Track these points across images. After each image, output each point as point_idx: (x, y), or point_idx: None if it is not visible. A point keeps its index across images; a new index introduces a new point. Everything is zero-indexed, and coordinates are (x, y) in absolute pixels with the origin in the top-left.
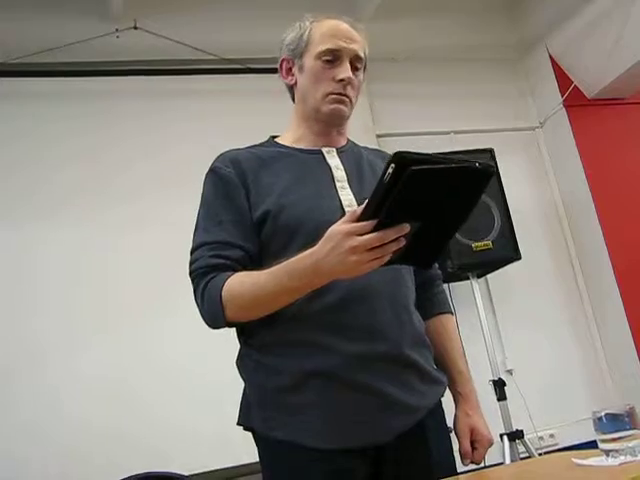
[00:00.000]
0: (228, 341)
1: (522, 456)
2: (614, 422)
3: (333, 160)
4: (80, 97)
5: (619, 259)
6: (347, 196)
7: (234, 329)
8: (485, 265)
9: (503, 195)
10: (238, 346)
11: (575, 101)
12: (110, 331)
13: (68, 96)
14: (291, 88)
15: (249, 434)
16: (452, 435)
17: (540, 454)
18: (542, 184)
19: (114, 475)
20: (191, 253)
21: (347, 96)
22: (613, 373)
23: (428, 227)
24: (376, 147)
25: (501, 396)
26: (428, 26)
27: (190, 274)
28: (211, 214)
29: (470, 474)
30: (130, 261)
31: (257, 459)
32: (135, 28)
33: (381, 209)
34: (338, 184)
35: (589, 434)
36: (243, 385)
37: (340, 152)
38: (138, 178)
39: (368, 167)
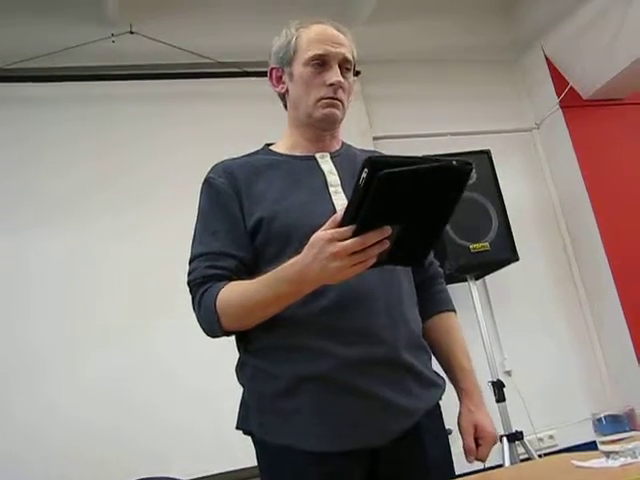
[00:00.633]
0: (227, 346)
1: (521, 457)
2: (614, 423)
3: (326, 165)
4: (77, 102)
5: (616, 260)
6: (340, 200)
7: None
8: (483, 267)
9: (500, 196)
10: (236, 351)
11: (571, 102)
12: (109, 335)
13: (65, 101)
14: (283, 96)
15: (248, 438)
16: (455, 434)
17: (540, 455)
18: (539, 185)
19: (114, 479)
20: (189, 264)
21: (339, 99)
22: (612, 374)
23: (412, 227)
24: (373, 149)
25: (500, 397)
26: (424, 28)
27: (188, 284)
28: (206, 225)
29: (469, 476)
30: (129, 266)
31: (256, 463)
32: (131, 33)
33: (359, 213)
34: (331, 189)
35: (589, 435)
36: (242, 390)
37: (334, 156)
38: (136, 183)
39: None
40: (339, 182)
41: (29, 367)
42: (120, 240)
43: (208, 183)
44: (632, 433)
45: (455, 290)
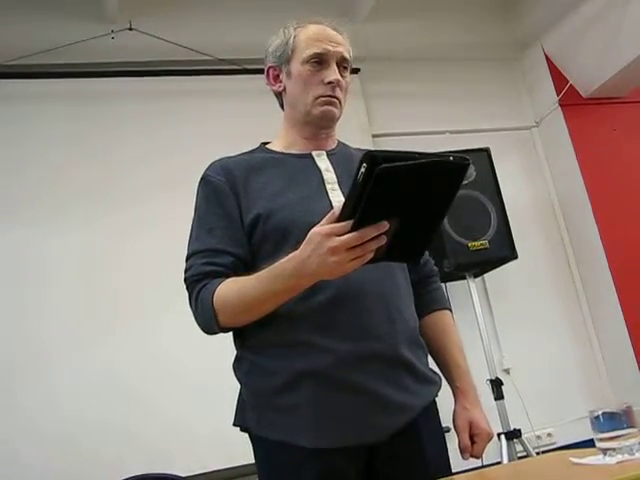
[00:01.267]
0: (227, 343)
1: (520, 455)
2: (611, 421)
3: (323, 163)
4: (76, 99)
5: (616, 258)
6: (337, 198)
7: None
8: (482, 264)
9: (499, 194)
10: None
11: (571, 100)
12: (112, 332)
13: (64, 97)
14: (279, 95)
15: (247, 435)
16: (453, 432)
17: (538, 453)
18: (538, 183)
19: (115, 474)
20: (185, 261)
21: (337, 98)
22: (610, 372)
23: (409, 222)
24: (369, 148)
25: (498, 395)
26: (424, 26)
27: (184, 282)
28: (203, 222)
29: (468, 474)
30: (132, 262)
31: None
32: (130, 29)
33: (357, 208)
34: (328, 186)
35: (586, 433)
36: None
37: (330, 155)
38: (138, 181)
39: None
40: (335, 179)
41: (33, 363)
42: (124, 236)
43: (205, 181)
44: (629, 430)
45: (454, 288)
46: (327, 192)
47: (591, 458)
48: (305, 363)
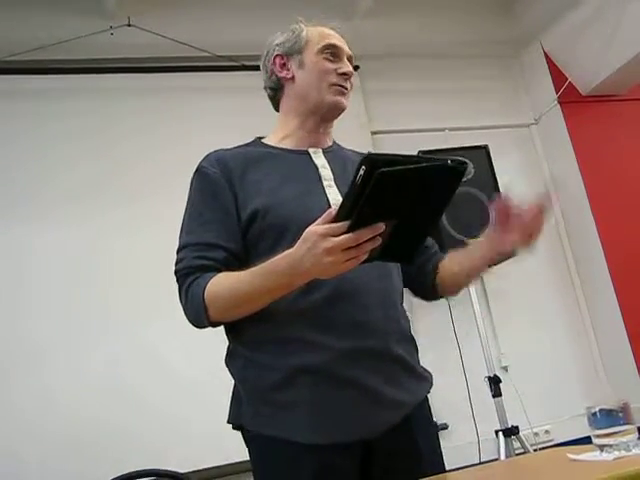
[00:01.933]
0: (222, 340)
1: (517, 452)
2: (608, 417)
3: (319, 160)
4: (74, 94)
5: (613, 255)
6: (334, 195)
7: (222, 327)
8: None
9: (498, 191)
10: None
11: (570, 97)
12: (108, 331)
13: (63, 94)
14: (281, 86)
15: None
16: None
17: (535, 450)
18: (537, 180)
19: (111, 471)
20: (176, 253)
21: (347, 89)
22: (607, 369)
23: (404, 224)
24: (366, 148)
25: (496, 392)
26: (422, 23)
27: (175, 274)
28: (196, 214)
29: (465, 470)
30: (129, 259)
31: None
32: (129, 25)
33: (355, 210)
34: (325, 182)
35: (584, 430)
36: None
37: (326, 152)
38: (135, 178)
39: (353, 169)
40: (332, 177)
41: (29, 362)
42: (121, 233)
43: (200, 172)
44: (626, 427)
45: None
46: (324, 188)
47: (588, 454)
48: (301, 359)
